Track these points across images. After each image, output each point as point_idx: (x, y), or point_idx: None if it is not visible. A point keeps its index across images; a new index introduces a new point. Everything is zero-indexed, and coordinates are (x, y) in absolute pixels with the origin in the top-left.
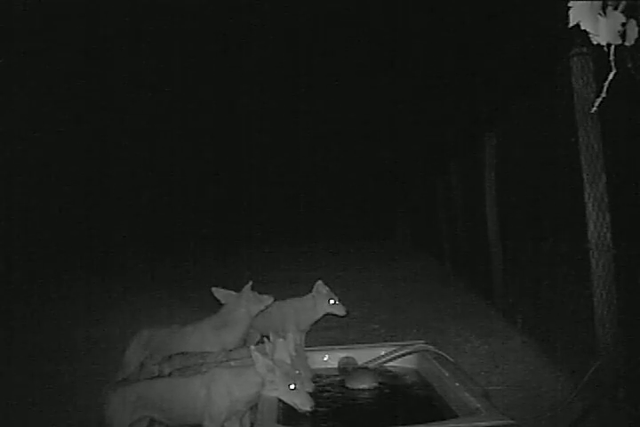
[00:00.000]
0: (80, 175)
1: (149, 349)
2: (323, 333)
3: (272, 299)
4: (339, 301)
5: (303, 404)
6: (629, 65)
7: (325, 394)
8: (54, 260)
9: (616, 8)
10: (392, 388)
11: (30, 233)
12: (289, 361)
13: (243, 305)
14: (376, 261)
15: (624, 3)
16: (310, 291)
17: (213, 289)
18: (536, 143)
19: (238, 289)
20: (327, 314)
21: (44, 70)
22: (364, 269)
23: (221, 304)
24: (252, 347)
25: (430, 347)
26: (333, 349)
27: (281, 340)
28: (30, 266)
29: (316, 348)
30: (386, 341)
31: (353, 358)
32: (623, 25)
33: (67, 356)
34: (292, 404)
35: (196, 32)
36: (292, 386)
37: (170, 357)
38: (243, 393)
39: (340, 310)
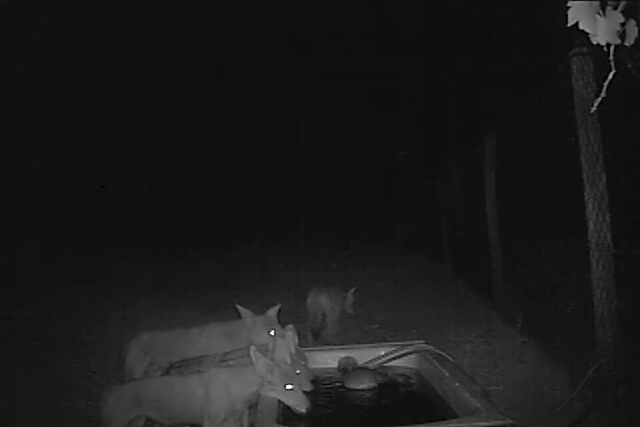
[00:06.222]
0: (80, 175)
1: (151, 354)
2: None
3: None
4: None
5: (299, 405)
6: (629, 65)
7: (325, 394)
8: (53, 260)
9: (615, 8)
10: (392, 388)
11: (29, 233)
12: (289, 361)
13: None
14: (376, 261)
15: (623, 3)
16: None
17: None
18: (536, 143)
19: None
20: None
21: (44, 70)
22: (364, 269)
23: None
24: (253, 347)
25: (430, 347)
26: (333, 349)
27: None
28: (30, 266)
29: (316, 348)
30: (386, 341)
31: (353, 358)
32: (622, 25)
33: (66, 357)
34: (288, 404)
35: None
36: (290, 386)
37: (171, 366)
38: (241, 393)
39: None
